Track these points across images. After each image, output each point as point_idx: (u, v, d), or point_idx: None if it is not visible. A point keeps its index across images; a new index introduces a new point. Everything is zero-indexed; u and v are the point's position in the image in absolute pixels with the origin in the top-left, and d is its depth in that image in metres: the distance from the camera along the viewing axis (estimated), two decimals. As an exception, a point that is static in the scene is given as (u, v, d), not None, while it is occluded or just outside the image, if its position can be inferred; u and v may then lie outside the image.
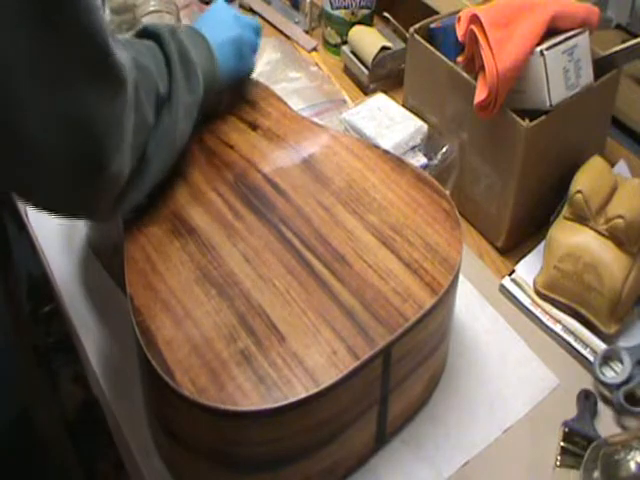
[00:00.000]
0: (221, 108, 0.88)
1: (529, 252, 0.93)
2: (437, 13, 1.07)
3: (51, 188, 0.60)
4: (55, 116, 0.55)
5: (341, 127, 1.02)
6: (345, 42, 1.20)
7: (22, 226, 1.01)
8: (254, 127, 0.86)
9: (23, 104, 0.53)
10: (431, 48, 0.95)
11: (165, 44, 0.74)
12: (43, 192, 0.61)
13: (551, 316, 0.87)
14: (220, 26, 0.84)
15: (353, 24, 1.19)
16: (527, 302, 0.88)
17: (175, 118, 0.71)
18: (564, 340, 0.85)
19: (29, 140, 0.55)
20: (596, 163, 0.90)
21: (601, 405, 0.80)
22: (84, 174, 0.59)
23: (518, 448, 0.77)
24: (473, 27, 0.85)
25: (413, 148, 0.98)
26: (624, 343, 0.83)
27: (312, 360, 0.63)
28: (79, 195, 0.62)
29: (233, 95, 0.90)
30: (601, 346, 0.83)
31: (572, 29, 0.85)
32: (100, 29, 0.56)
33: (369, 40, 1.15)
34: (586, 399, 0.79)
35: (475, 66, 0.87)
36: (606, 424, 0.78)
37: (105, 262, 0.91)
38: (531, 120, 0.84)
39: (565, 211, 0.88)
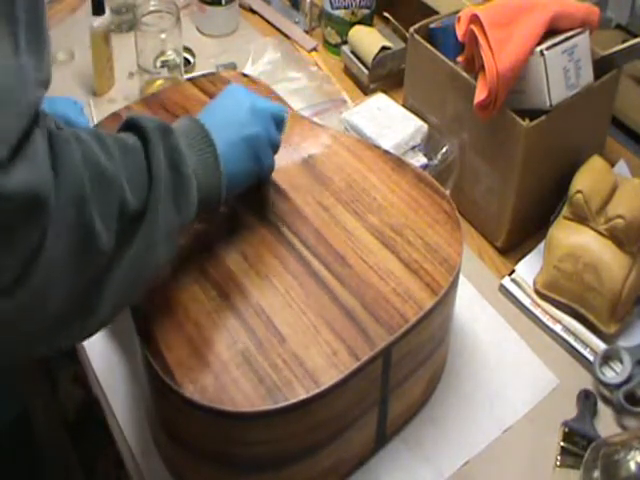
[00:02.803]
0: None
1: (529, 252, 0.93)
2: (437, 13, 1.07)
3: None
4: None
5: (341, 127, 1.02)
6: (345, 42, 1.20)
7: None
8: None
9: None
10: (431, 48, 0.95)
11: (152, 148, 0.58)
12: None
13: (551, 316, 0.87)
14: (232, 121, 0.69)
15: (353, 24, 1.19)
16: (527, 302, 0.88)
17: (150, 241, 0.56)
18: (564, 340, 0.85)
19: None
20: (596, 163, 0.90)
21: (601, 405, 0.80)
22: None
23: (518, 448, 0.77)
24: (473, 27, 0.85)
25: (413, 148, 0.98)
26: (624, 343, 0.83)
27: (312, 361, 0.63)
28: None
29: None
30: (601, 346, 0.83)
31: (572, 29, 0.85)
32: None
33: (369, 40, 1.15)
34: (586, 399, 0.79)
35: (475, 66, 0.87)
36: (606, 424, 0.78)
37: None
38: (531, 120, 0.84)
39: (565, 211, 0.88)
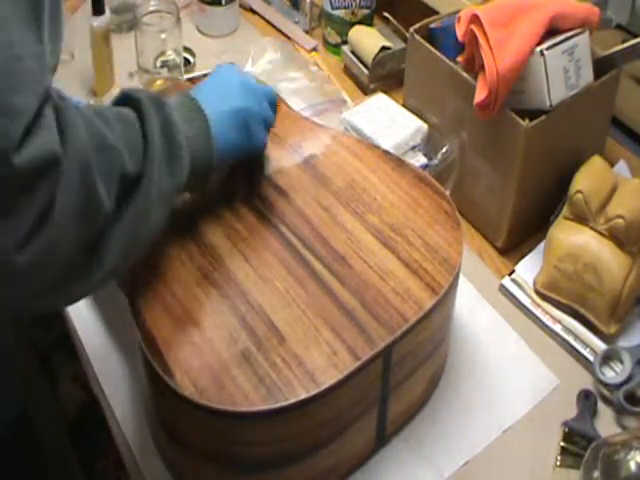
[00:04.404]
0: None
1: (529, 252, 0.93)
2: (437, 13, 1.07)
3: None
4: None
5: (341, 127, 1.02)
6: (345, 42, 1.20)
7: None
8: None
9: None
10: (431, 48, 0.95)
11: (146, 118, 0.63)
12: None
13: (551, 316, 0.87)
14: (223, 94, 0.73)
15: (353, 24, 1.19)
16: (527, 302, 0.88)
17: (147, 203, 0.61)
18: (564, 340, 0.85)
19: None
20: (596, 163, 0.90)
21: (601, 405, 0.80)
22: None
23: (518, 448, 0.77)
24: (473, 27, 0.85)
25: (413, 148, 0.98)
26: (624, 343, 0.83)
27: (312, 361, 0.63)
28: None
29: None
30: (601, 346, 0.83)
31: (572, 29, 0.85)
32: None
33: (369, 40, 1.15)
34: (586, 399, 0.79)
35: (475, 66, 0.87)
36: (606, 424, 0.78)
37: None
38: (531, 120, 0.84)
39: (565, 211, 0.88)
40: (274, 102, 0.79)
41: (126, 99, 0.66)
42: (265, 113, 0.76)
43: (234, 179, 0.79)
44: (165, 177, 0.63)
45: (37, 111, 0.50)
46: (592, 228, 0.85)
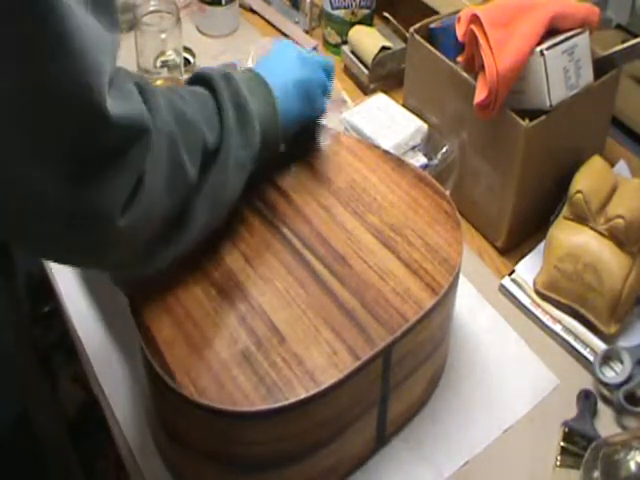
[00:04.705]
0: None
1: (529, 252, 0.93)
2: (437, 13, 1.07)
3: (54, 240, 0.56)
4: (53, 180, 0.51)
5: (341, 127, 1.02)
6: (345, 42, 1.20)
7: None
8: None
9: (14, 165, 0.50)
10: (431, 48, 0.95)
11: (219, 92, 0.68)
12: (45, 244, 0.57)
13: (551, 316, 0.87)
14: (283, 67, 0.77)
15: (353, 24, 1.19)
16: (527, 302, 0.88)
17: (225, 174, 0.66)
18: (564, 340, 0.85)
19: (26, 198, 0.52)
20: (596, 163, 0.90)
21: (601, 405, 0.80)
22: (85, 231, 0.55)
23: (518, 448, 0.77)
24: (473, 27, 0.85)
25: (413, 148, 0.98)
26: (624, 343, 0.83)
27: (312, 360, 0.63)
28: (87, 250, 0.57)
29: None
30: (601, 346, 0.83)
31: (572, 29, 0.85)
32: (86, 88, 0.49)
33: (369, 40, 1.15)
34: (586, 399, 0.79)
35: (475, 66, 0.87)
36: (606, 424, 0.78)
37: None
38: (531, 120, 0.84)
39: (565, 211, 0.88)
40: (331, 70, 0.83)
41: (198, 78, 0.70)
42: (323, 81, 0.80)
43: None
44: (240, 148, 0.67)
45: (114, 73, 0.54)
46: (592, 228, 0.85)
